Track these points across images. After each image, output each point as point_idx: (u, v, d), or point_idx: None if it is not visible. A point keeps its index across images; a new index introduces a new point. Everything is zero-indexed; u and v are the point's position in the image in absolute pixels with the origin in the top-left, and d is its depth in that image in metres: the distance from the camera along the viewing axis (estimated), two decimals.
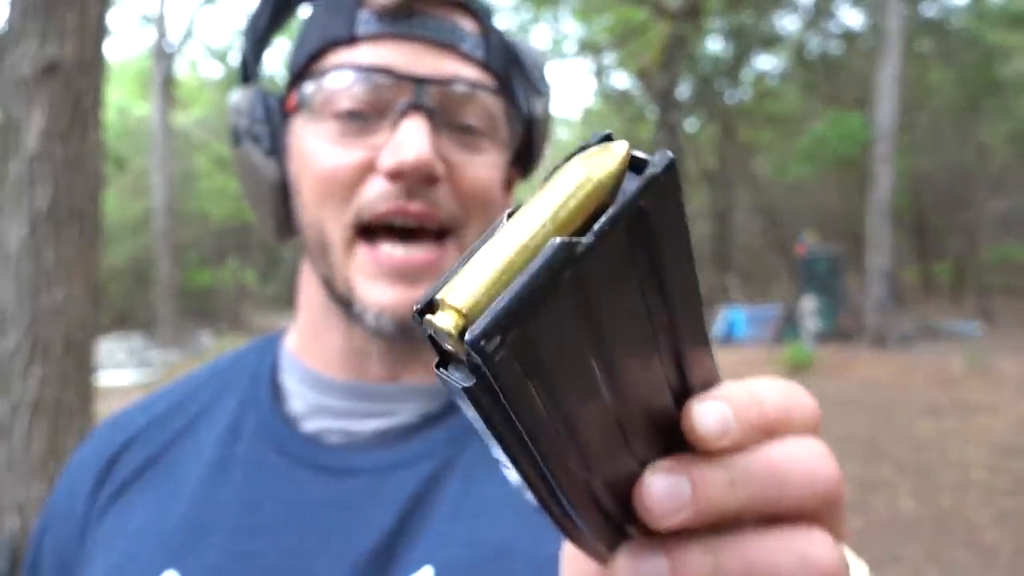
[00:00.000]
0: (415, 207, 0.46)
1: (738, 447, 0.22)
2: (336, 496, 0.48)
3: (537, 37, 15.01)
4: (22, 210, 2.07)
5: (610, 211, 0.16)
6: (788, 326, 11.95)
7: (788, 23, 18.57)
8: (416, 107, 0.46)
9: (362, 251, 0.47)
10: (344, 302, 0.49)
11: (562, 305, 0.15)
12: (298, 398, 0.53)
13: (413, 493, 0.47)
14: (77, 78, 2.14)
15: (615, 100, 19.10)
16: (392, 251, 0.46)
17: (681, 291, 0.19)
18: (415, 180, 0.46)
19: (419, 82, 0.47)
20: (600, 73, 15.69)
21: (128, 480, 0.52)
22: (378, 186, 0.46)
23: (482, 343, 0.14)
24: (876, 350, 10.84)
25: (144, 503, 0.51)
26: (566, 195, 0.16)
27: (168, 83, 14.60)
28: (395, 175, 0.45)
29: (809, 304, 11.80)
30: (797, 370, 9.50)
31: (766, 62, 19.59)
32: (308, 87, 0.49)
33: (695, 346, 0.21)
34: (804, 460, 0.22)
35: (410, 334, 0.47)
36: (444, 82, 0.47)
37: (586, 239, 0.15)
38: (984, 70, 14.50)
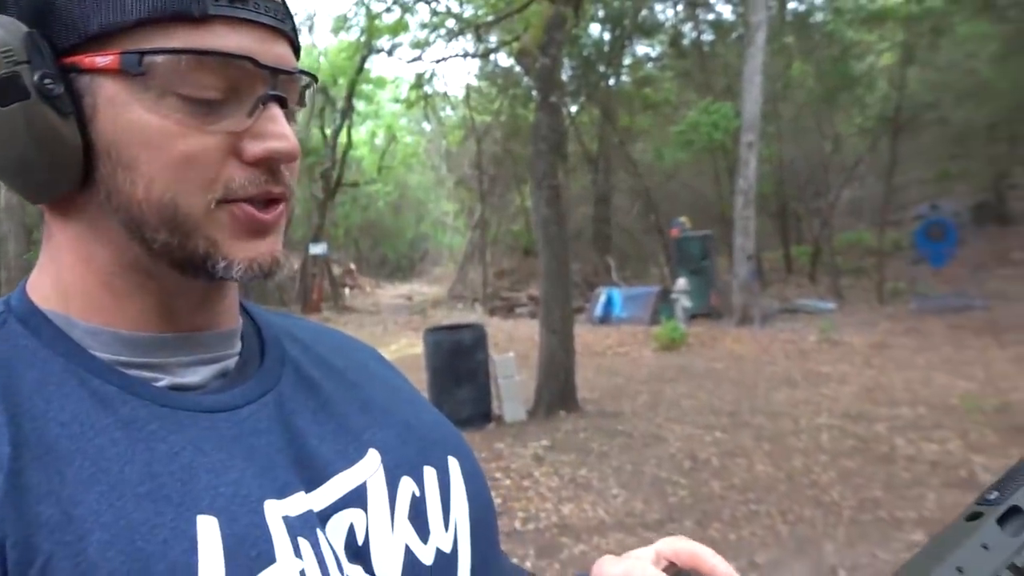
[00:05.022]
0: (278, 188, 0.51)
1: None
2: (238, 427, 0.51)
3: (418, 14, 14.79)
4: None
5: None
6: (663, 305, 12.47)
7: (666, 12, 19.19)
8: (275, 97, 0.50)
9: (225, 216, 0.50)
10: (199, 259, 0.50)
11: None
12: (108, 361, 0.51)
13: (296, 408, 0.55)
14: None
15: (499, 78, 19.16)
16: (256, 215, 0.50)
17: None
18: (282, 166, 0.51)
19: (274, 72, 0.50)
20: (483, 52, 15.68)
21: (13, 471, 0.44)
22: (245, 171, 0.50)
23: None
24: (741, 327, 11.50)
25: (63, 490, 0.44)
26: None
27: None
28: (265, 163, 0.50)
29: (682, 284, 12.37)
30: (671, 346, 9.95)
31: (644, 49, 20.17)
32: (151, 57, 0.47)
33: None
34: None
35: (270, 278, 0.53)
36: (291, 72, 0.52)
37: None
38: (841, 65, 15.56)
